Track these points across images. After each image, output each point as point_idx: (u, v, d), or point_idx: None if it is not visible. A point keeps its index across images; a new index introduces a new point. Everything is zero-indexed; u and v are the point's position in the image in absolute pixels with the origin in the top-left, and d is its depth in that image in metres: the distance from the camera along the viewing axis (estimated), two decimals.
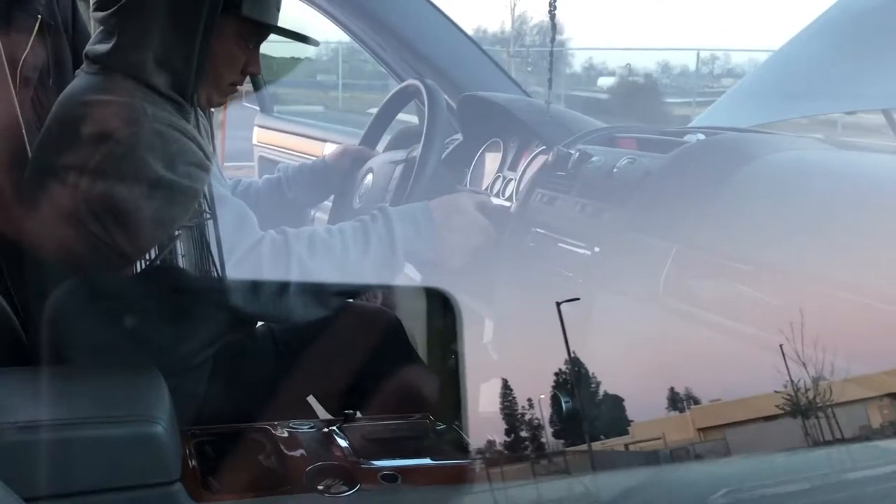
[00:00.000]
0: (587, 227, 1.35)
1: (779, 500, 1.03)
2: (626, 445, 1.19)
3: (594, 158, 1.43)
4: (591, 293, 1.31)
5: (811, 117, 2.22)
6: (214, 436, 1.28)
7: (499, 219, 1.60)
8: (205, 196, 1.27)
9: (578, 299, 1.27)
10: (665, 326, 1.21)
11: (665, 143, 1.44)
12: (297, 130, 2.81)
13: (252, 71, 1.39)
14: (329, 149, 2.58)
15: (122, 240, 1.24)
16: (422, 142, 1.60)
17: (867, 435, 1.09)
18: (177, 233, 1.29)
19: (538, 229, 1.47)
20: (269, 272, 1.28)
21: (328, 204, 2.11)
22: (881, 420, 1.08)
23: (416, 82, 1.76)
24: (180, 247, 1.32)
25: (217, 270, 1.30)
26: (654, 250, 1.22)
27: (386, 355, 1.55)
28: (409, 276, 1.72)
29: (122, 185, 1.21)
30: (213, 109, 1.47)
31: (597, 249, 1.31)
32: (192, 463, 1.18)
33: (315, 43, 1.54)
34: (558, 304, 1.23)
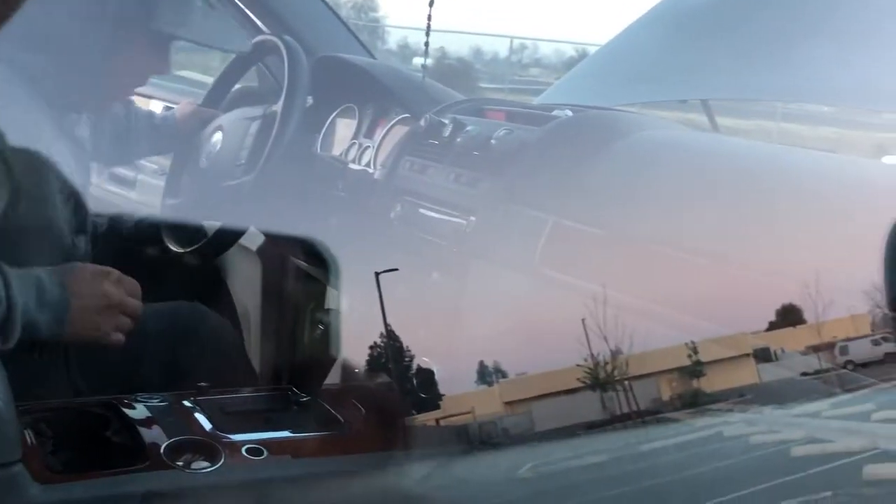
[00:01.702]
0: (462, 197, 1.34)
1: (580, 473, 1.08)
2: (438, 420, 1.20)
3: (469, 128, 1.42)
4: (465, 262, 1.31)
5: (644, 104, 2.35)
6: (54, 411, 1.16)
7: (360, 185, 1.56)
8: None
9: (397, 269, 1.27)
10: (538, 296, 1.24)
11: (535, 116, 1.46)
12: None
13: None
14: (156, 107, 2.41)
15: None
16: (282, 98, 1.52)
17: (659, 407, 1.17)
18: None
19: (407, 197, 1.44)
20: None
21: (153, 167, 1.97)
22: (671, 393, 1.16)
23: (274, 38, 1.68)
24: None
25: None
26: (531, 221, 1.24)
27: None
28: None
29: None
30: None
31: (472, 219, 1.31)
32: (32, 441, 1.06)
33: None
34: (377, 273, 1.22)
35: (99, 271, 1.21)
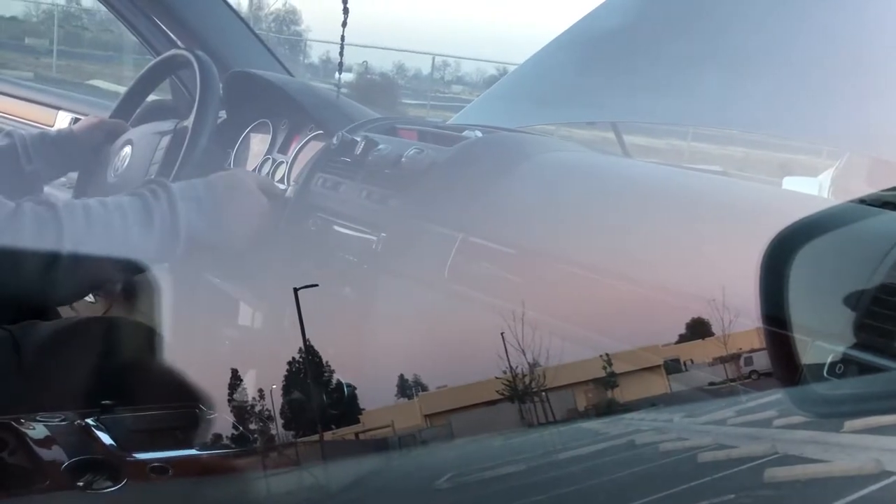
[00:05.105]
0: (373, 214, 1.36)
1: (498, 482, 1.10)
2: (357, 434, 1.21)
3: (381, 147, 1.43)
4: (376, 278, 1.32)
5: (556, 125, 2.41)
6: None
7: (276, 201, 1.56)
8: None
9: (317, 285, 1.27)
10: (448, 311, 1.25)
11: (446, 136, 1.48)
12: (23, 94, 2.51)
13: None
14: (64, 117, 2.35)
15: None
16: (194, 112, 1.51)
17: (574, 417, 1.20)
18: None
19: (320, 214, 1.44)
20: (34, 250, 1.12)
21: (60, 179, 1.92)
22: (586, 403, 1.19)
23: (186, 53, 1.66)
24: None
25: None
26: (441, 238, 1.25)
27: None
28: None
29: None
30: None
31: (383, 235, 1.32)
32: None
33: None
34: (296, 289, 1.22)
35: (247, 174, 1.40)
